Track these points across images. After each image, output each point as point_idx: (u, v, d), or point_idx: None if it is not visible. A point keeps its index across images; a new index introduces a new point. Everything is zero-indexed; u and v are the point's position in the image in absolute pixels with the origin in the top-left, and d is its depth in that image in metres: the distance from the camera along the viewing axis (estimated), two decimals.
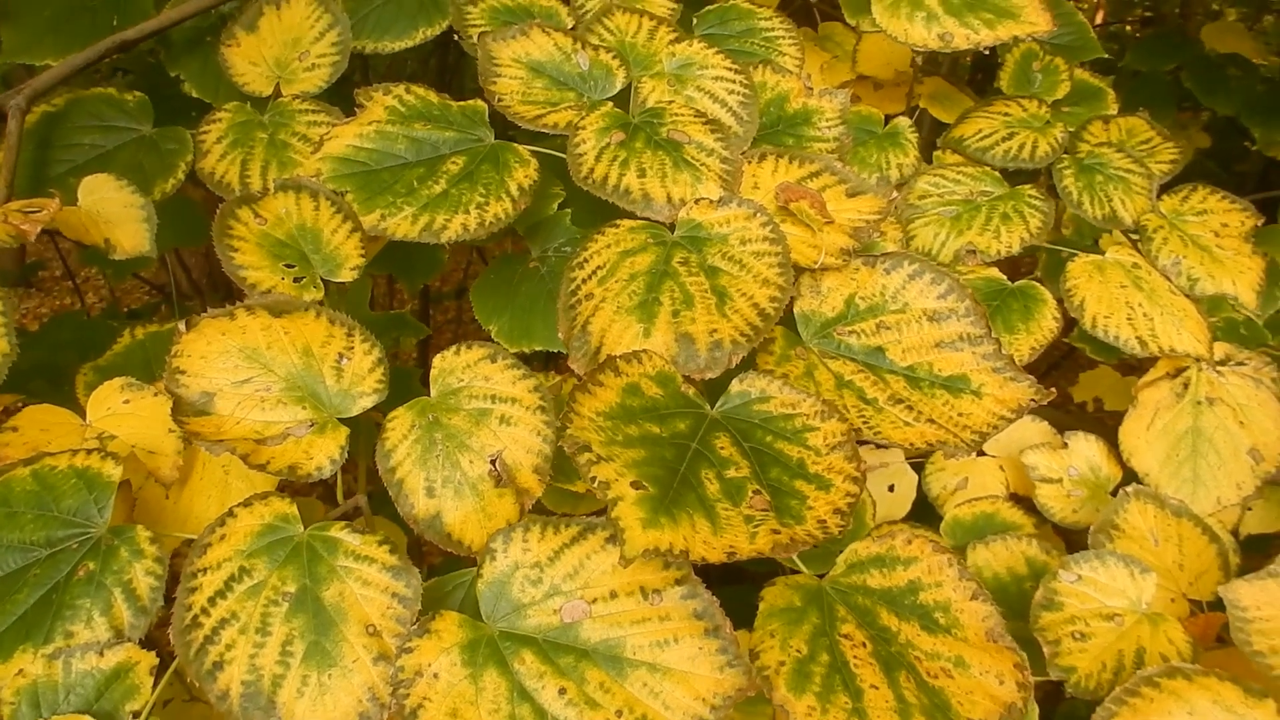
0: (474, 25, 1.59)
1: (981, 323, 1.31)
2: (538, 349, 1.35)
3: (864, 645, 1.04)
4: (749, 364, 1.20)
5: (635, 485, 0.97)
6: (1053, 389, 1.31)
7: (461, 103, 1.39)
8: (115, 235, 1.35)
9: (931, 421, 1.23)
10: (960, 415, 1.25)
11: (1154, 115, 3.25)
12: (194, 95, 1.61)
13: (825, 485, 1.06)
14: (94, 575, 1.02)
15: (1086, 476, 1.87)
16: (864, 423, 1.22)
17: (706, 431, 1.10)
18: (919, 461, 1.96)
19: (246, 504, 1.02)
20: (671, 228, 1.28)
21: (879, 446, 1.21)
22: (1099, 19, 5.86)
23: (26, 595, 1.02)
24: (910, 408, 1.24)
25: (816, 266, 1.31)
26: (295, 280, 1.22)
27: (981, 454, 1.96)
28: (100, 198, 1.37)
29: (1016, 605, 1.63)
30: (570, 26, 1.63)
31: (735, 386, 1.15)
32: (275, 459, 1.04)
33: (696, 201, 1.28)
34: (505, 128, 1.40)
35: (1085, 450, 1.88)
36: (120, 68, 2.17)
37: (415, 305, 3.63)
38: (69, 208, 1.33)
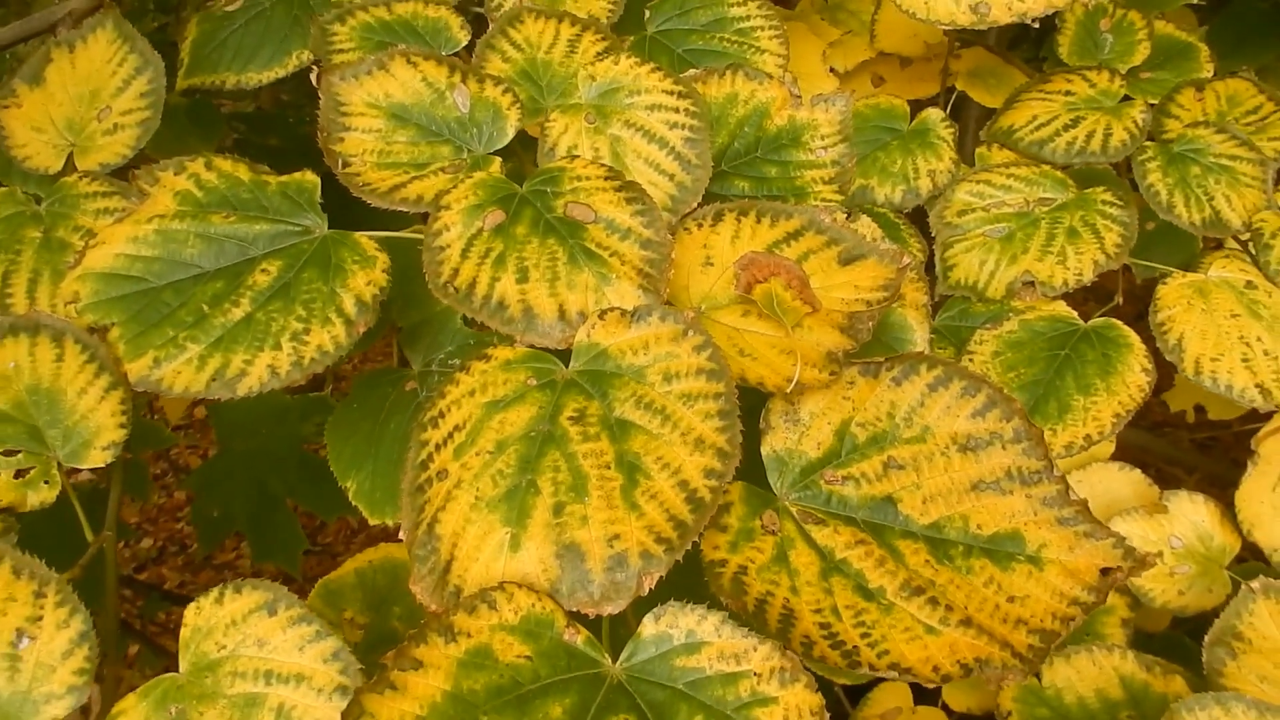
0: (340, 50, 1.19)
1: (1038, 450, 0.90)
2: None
3: None
4: (687, 567, 0.80)
5: None
6: (1147, 554, 0.89)
7: (282, 178, 0.99)
8: None
9: (967, 623, 0.82)
10: (1011, 602, 0.84)
11: (1250, 53, 2.74)
12: None
13: None
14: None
15: (1194, 548, 1.48)
16: (863, 637, 0.82)
17: (601, 710, 0.70)
18: None
19: None
20: (566, 358, 0.87)
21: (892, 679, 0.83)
22: None
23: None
24: (935, 601, 0.83)
25: (791, 385, 0.90)
26: (16, 475, 0.83)
27: None
28: None
29: None
30: (466, 42, 1.22)
31: (649, 628, 0.74)
32: None
33: (602, 315, 0.86)
34: (354, 208, 1.00)
35: (1191, 514, 1.48)
36: None
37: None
38: None
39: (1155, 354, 1.38)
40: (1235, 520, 1.41)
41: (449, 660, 0.68)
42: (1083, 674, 1.33)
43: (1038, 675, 1.34)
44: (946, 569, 0.86)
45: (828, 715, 0.70)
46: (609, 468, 0.79)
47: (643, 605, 0.76)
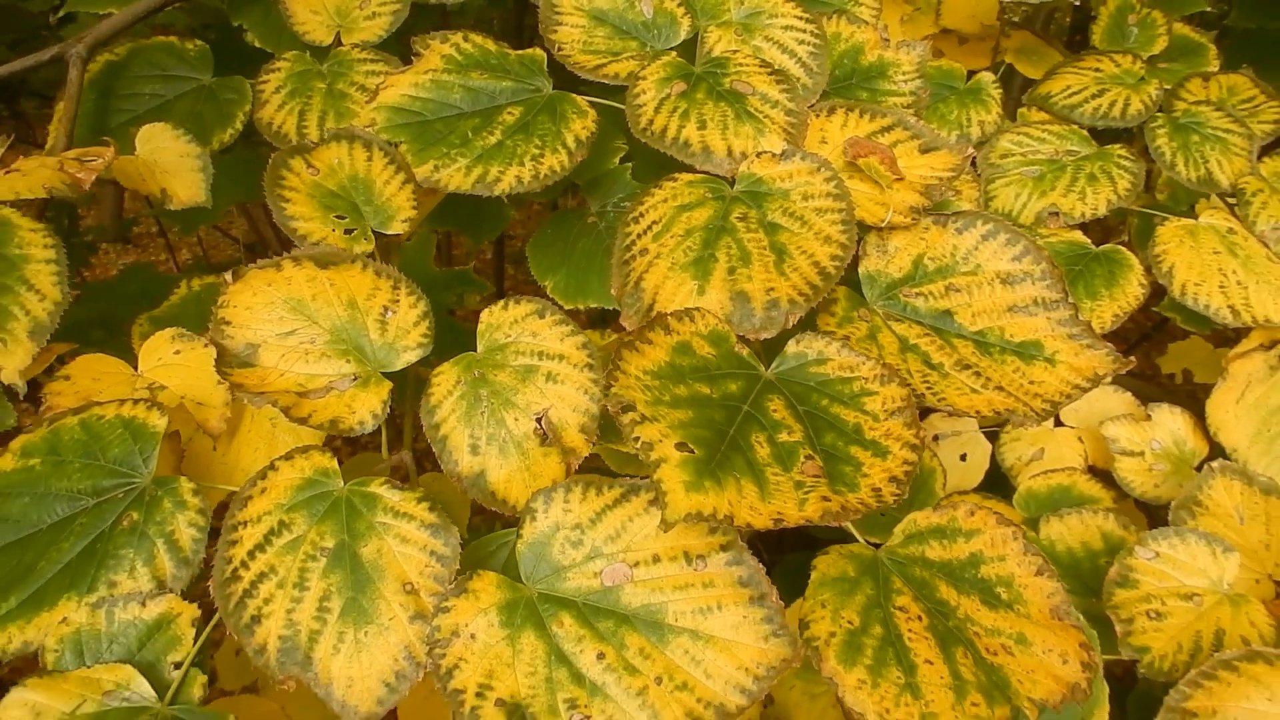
0: None
1: (1059, 287, 1.25)
2: (593, 306, 1.32)
3: (919, 619, 0.99)
4: (808, 324, 1.15)
5: (680, 447, 0.93)
6: (1132, 358, 1.24)
7: (520, 52, 1.35)
8: (171, 185, 1.34)
9: (1000, 389, 1.17)
10: (1031, 383, 1.19)
11: (1260, 75, 3.10)
12: (255, 45, 1.60)
13: (882, 452, 1.01)
14: (138, 525, 1.01)
15: (1170, 450, 1.79)
16: (928, 389, 1.17)
17: (759, 394, 1.06)
18: (993, 431, 1.90)
19: (287, 457, 1.00)
20: (731, 182, 1.23)
21: (948, 414, 1.16)
22: None
23: (72, 544, 1.01)
24: (978, 374, 1.18)
25: (884, 225, 1.25)
26: (346, 232, 1.20)
27: (1059, 424, 1.90)
28: (157, 147, 1.36)
29: (1090, 581, 1.58)
30: None
31: (792, 348, 1.10)
32: (317, 412, 1.02)
33: (758, 155, 1.23)
34: (565, 77, 1.36)
35: (1170, 423, 1.81)
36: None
37: (476, 263, 3.59)
38: (126, 157, 1.33)
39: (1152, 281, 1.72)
40: (1205, 430, 1.74)
41: (667, 343, 1.04)
42: (1073, 530, 1.66)
43: (1035, 528, 1.69)
44: (987, 359, 1.21)
45: (915, 406, 1.05)
46: (766, 250, 1.15)
47: (783, 339, 1.11)
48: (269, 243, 3.36)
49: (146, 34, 1.57)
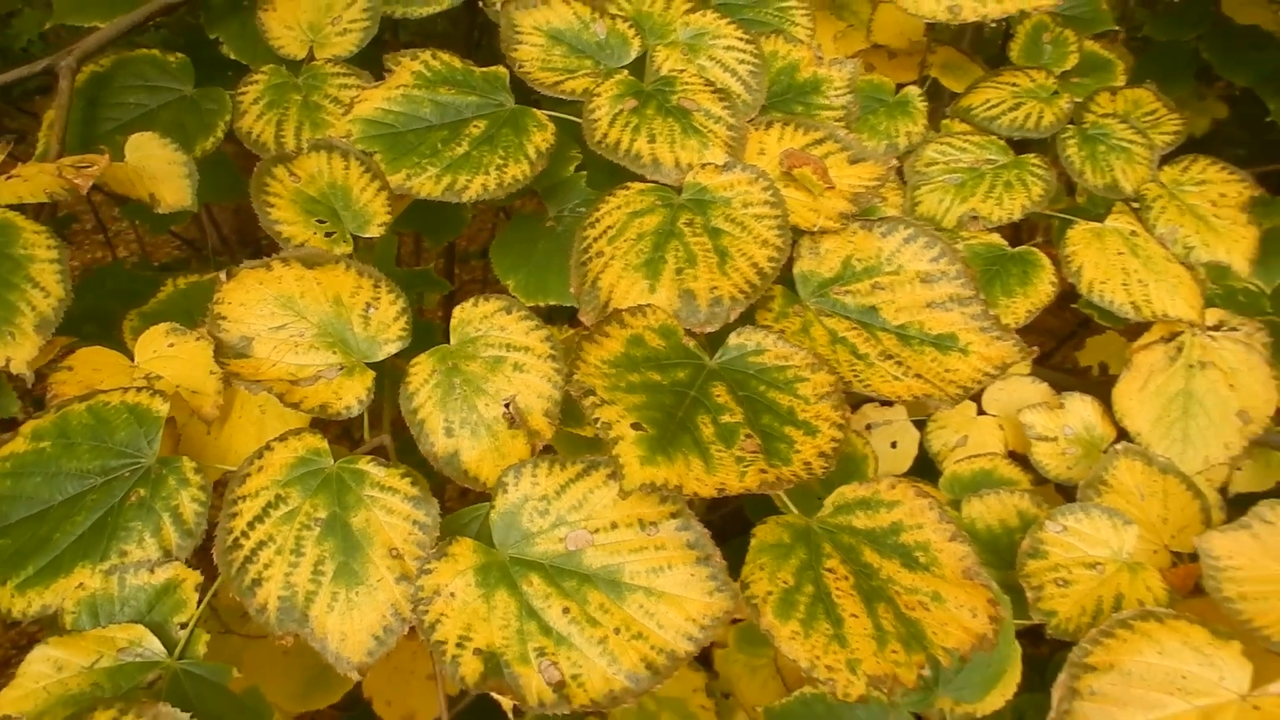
0: None
1: (971, 285, 1.39)
2: (552, 303, 1.44)
3: (846, 579, 1.13)
4: (749, 319, 1.29)
5: (635, 426, 1.06)
6: (1035, 347, 1.39)
7: (484, 69, 1.47)
8: (159, 190, 1.45)
9: (919, 376, 1.32)
10: (947, 371, 1.33)
11: (1173, 86, 3.29)
12: (231, 57, 1.70)
13: (812, 431, 1.14)
14: (145, 500, 1.12)
15: (1081, 435, 1.92)
16: (855, 376, 1.30)
17: (705, 381, 1.19)
18: (921, 420, 2.03)
19: (282, 439, 1.12)
20: (678, 191, 1.36)
21: (872, 401, 1.30)
22: None
23: (84, 518, 1.12)
24: (900, 363, 1.32)
25: (816, 229, 1.39)
26: (326, 235, 1.31)
27: (982, 413, 2.03)
28: (146, 154, 1.46)
29: (1007, 555, 1.70)
30: None
31: (733, 339, 1.23)
32: (308, 398, 1.14)
33: (703, 166, 1.36)
34: (525, 93, 1.48)
35: (1081, 410, 1.93)
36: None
37: (441, 264, 3.71)
38: (116, 164, 1.43)
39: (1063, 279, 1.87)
40: (1113, 416, 1.89)
41: (622, 336, 1.16)
42: (991, 509, 1.79)
43: (959, 509, 1.84)
44: (908, 350, 1.35)
45: (841, 390, 1.19)
46: (710, 253, 1.28)
47: (725, 332, 1.24)
48: (211, 241, 3.44)
49: (130, 46, 1.66)
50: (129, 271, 2.01)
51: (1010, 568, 1.64)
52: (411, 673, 1.49)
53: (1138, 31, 3.41)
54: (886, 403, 2.07)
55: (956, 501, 1.84)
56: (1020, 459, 1.95)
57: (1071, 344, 3.85)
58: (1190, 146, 2.04)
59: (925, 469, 2.00)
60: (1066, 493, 1.96)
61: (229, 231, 3.52)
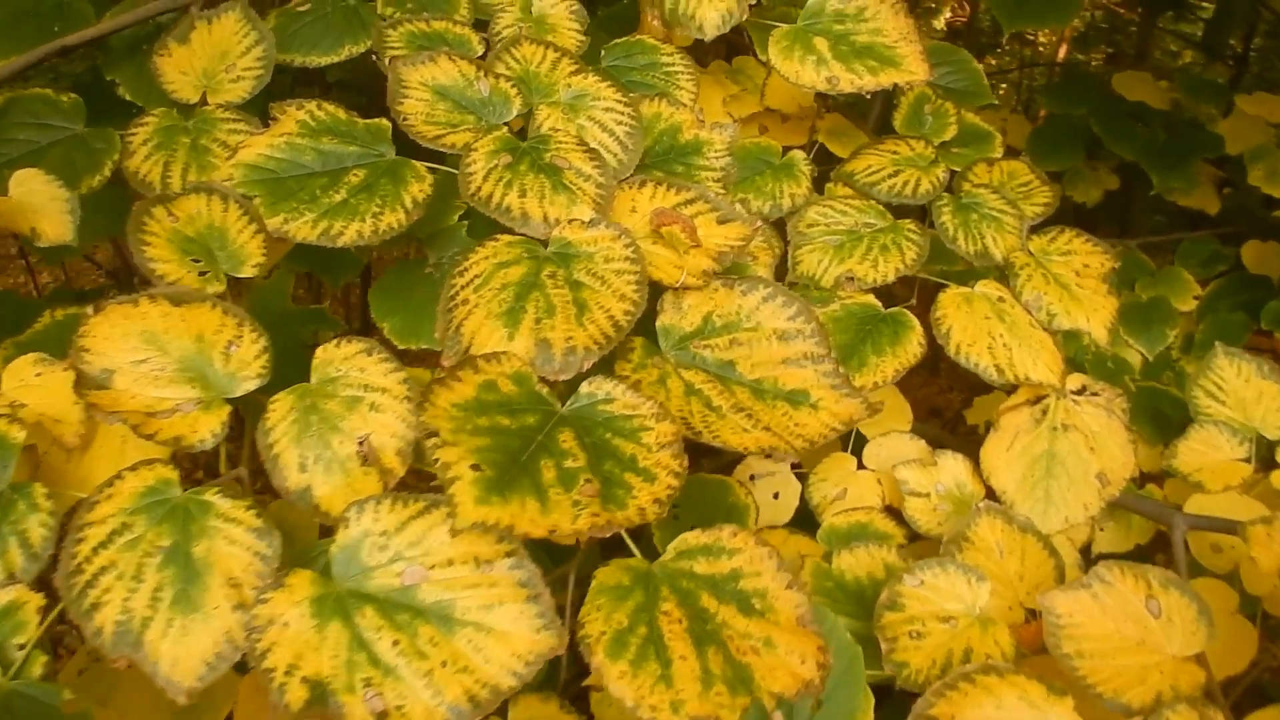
0: (391, 48, 1.73)
1: (824, 343, 1.46)
2: (424, 347, 1.49)
3: (680, 622, 1.18)
4: (607, 367, 1.35)
5: (474, 468, 1.11)
6: (881, 402, 1.47)
7: (367, 121, 1.53)
8: (41, 225, 1.48)
9: (768, 429, 1.38)
10: (796, 425, 1.40)
11: (1064, 157, 3.43)
12: (127, 98, 1.74)
13: (650, 478, 1.20)
14: None
15: (952, 492, 1.97)
16: (705, 427, 1.37)
17: (553, 427, 1.24)
18: (803, 473, 2.09)
19: (133, 468, 1.15)
20: (545, 244, 1.42)
21: (720, 451, 1.37)
22: (1061, 54, 6.07)
23: None
24: (750, 416, 1.39)
25: (679, 285, 1.45)
26: (200, 274, 1.35)
27: (862, 467, 2.09)
28: (29, 190, 1.50)
29: (872, 608, 1.76)
30: (481, 53, 1.77)
31: (584, 388, 1.29)
32: (163, 430, 1.18)
33: (569, 222, 1.42)
34: (409, 145, 1.54)
35: (953, 468, 1.99)
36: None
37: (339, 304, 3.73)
38: (1, 198, 1.46)
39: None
40: (982, 475, 1.97)
41: (475, 380, 1.22)
42: (860, 561, 1.85)
43: (829, 561, 1.90)
44: (760, 404, 1.41)
45: (682, 441, 1.25)
46: (569, 304, 1.34)
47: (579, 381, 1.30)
48: (133, 270, 3.45)
49: (24, 85, 1.70)
50: (23, 301, 2.03)
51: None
52: None
53: (1034, 104, 3.57)
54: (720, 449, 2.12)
55: (830, 553, 1.90)
56: (896, 513, 2.01)
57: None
58: (1107, 215, 2.13)
59: (806, 520, 2.06)
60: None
61: None
